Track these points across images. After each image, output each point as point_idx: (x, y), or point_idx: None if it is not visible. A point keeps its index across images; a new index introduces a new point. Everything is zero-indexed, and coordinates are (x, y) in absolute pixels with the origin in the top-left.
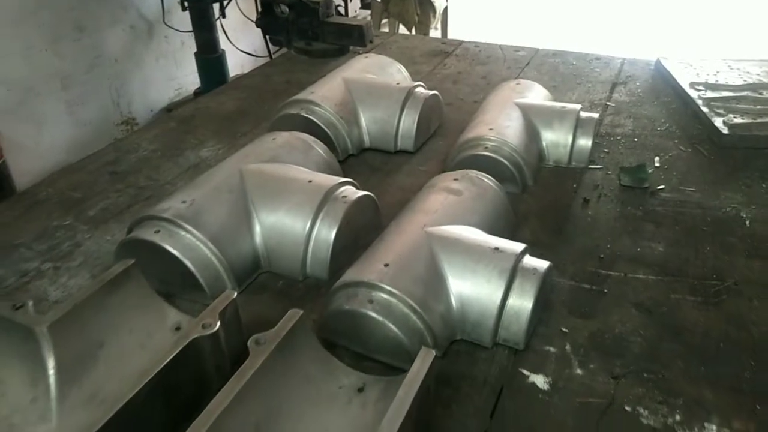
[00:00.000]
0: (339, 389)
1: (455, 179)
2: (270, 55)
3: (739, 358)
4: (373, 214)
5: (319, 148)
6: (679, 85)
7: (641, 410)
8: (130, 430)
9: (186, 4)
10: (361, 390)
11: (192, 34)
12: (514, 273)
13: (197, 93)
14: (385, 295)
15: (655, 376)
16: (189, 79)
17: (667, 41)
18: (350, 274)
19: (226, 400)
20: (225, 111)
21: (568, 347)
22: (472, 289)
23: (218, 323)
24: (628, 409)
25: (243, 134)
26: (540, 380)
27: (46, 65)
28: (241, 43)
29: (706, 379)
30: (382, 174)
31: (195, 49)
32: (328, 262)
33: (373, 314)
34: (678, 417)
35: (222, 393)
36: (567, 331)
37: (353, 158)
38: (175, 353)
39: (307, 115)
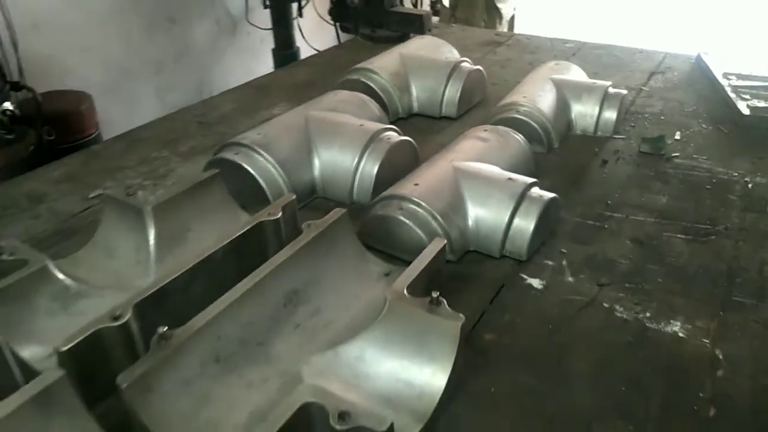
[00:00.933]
0: (369, 272)
1: (485, 131)
2: (339, 42)
3: (715, 281)
4: (412, 157)
5: (373, 106)
6: (713, 75)
7: (617, 307)
8: (209, 279)
9: (267, 2)
10: (387, 274)
11: (271, 31)
12: (522, 198)
13: None
14: (412, 205)
15: (635, 287)
16: (264, 71)
17: (713, 39)
18: (386, 192)
19: (273, 265)
20: (297, 81)
21: (564, 262)
22: (485, 209)
23: (280, 213)
24: (606, 305)
25: (310, 98)
26: (536, 282)
27: (142, 51)
28: (315, 43)
29: (680, 292)
30: (425, 133)
31: (273, 46)
32: (371, 191)
33: (402, 218)
34: (648, 314)
35: (271, 260)
36: (566, 251)
37: (402, 120)
38: (247, 228)
39: (365, 80)
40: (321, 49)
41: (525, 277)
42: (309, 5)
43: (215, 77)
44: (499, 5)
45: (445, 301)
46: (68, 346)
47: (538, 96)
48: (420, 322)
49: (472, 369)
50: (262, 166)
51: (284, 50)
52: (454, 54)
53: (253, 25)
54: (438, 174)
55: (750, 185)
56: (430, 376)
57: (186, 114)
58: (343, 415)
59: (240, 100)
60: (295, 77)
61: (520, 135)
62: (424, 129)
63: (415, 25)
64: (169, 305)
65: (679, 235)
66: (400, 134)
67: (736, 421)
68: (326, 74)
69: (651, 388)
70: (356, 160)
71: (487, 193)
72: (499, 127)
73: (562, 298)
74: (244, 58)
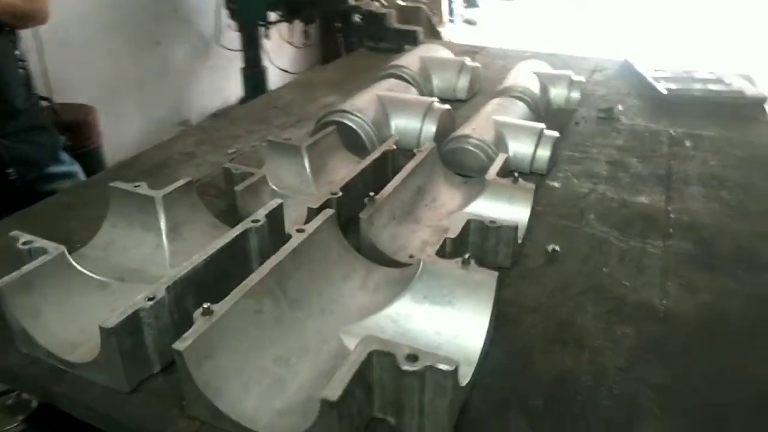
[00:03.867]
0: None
1: (499, 102)
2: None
3: (660, 178)
4: (451, 120)
5: (413, 88)
6: (638, 70)
7: (606, 193)
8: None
9: (238, 26)
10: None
11: (240, 53)
12: (540, 136)
13: (242, 101)
14: (474, 140)
15: (614, 184)
16: (233, 90)
17: (637, 49)
18: (454, 134)
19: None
20: (331, 79)
21: (569, 174)
22: (519, 143)
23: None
24: (600, 193)
25: (349, 90)
26: (555, 184)
27: (128, 70)
28: (278, 62)
29: (642, 185)
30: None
31: (241, 65)
32: (432, 141)
33: (469, 147)
34: (625, 195)
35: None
36: (567, 169)
37: None
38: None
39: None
40: (284, 67)
41: (548, 181)
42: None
43: (191, 94)
44: (439, 29)
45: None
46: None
47: (530, 81)
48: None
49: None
50: (360, 124)
51: (253, 69)
52: (450, 54)
53: (223, 47)
54: (484, 124)
55: (672, 132)
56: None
57: (260, 102)
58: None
59: (293, 93)
60: (328, 77)
61: (525, 104)
62: None
63: (409, 38)
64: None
65: (633, 158)
66: (443, 105)
67: (681, 232)
68: (353, 73)
69: (635, 228)
70: (420, 122)
71: (517, 134)
72: (507, 99)
73: (573, 191)
74: (216, 76)
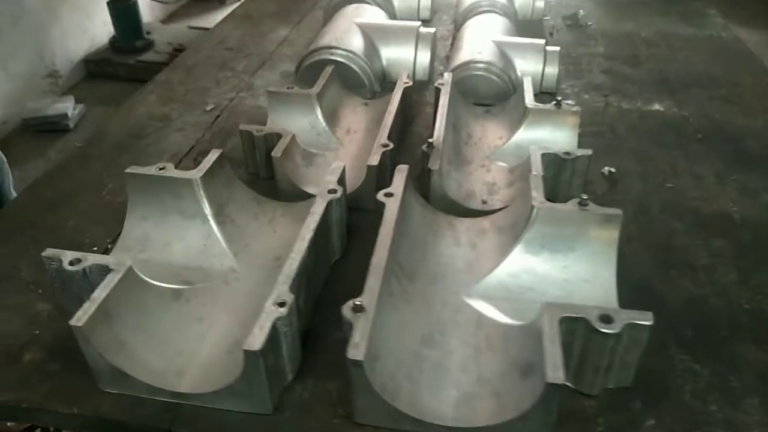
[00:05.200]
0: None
1: (488, 12)
2: None
3: (662, 84)
4: (436, 46)
5: (382, 11)
6: None
7: (622, 105)
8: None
9: None
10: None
11: None
12: (546, 52)
13: (113, 42)
14: (485, 65)
15: (622, 95)
16: (100, 30)
17: None
18: (462, 60)
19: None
20: (271, 10)
21: (576, 89)
22: (526, 63)
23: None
24: (615, 105)
25: (298, 22)
26: (570, 101)
27: None
28: None
29: (647, 92)
30: None
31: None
32: (428, 70)
33: (484, 73)
34: (639, 104)
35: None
36: (573, 84)
37: None
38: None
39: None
40: None
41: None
42: None
43: (54, 40)
44: None
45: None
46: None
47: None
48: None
49: None
50: (356, 60)
51: (122, 1)
52: None
53: None
54: (486, 46)
55: (642, 34)
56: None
57: (207, 46)
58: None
59: (240, 29)
60: (266, 8)
61: (507, 17)
62: None
63: None
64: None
65: (624, 66)
66: (429, 28)
67: (709, 136)
68: (292, 1)
69: (668, 138)
70: (413, 49)
71: (523, 53)
72: (487, 14)
73: (590, 107)
74: (78, 16)
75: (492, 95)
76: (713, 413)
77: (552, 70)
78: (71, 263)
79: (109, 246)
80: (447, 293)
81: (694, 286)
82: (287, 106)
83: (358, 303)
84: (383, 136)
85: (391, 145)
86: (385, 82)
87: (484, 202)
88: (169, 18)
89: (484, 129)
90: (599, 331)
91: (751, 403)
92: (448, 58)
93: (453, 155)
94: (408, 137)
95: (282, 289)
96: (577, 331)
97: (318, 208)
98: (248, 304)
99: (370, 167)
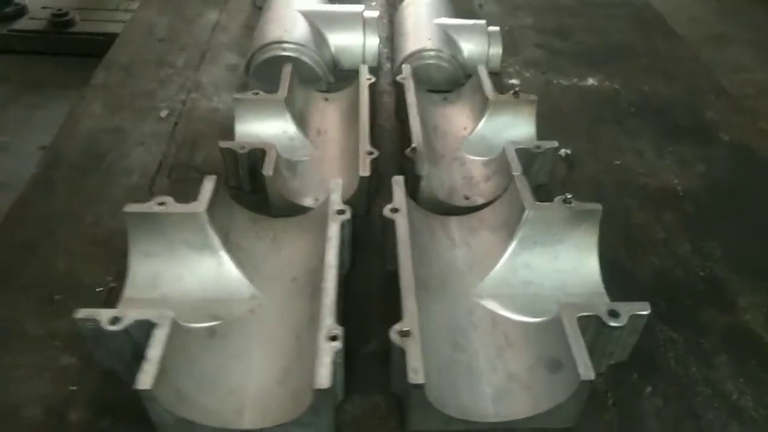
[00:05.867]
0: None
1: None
2: None
3: (587, 58)
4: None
5: None
6: None
7: (561, 81)
8: None
9: None
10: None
11: None
12: (488, 32)
13: None
14: (437, 52)
15: (559, 70)
16: None
17: None
18: (412, 50)
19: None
20: None
21: (517, 68)
22: (471, 46)
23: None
24: (554, 82)
25: (225, 2)
26: (515, 81)
27: None
28: None
29: (578, 65)
30: None
31: None
32: (377, 54)
33: (438, 62)
34: (575, 80)
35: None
36: (512, 62)
37: None
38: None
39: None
40: None
41: (506, 80)
42: None
43: None
44: None
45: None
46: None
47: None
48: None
49: None
50: (310, 55)
51: None
52: None
53: None
54: (433, 32)
55: (564, 2)
56: (527, 131)
57: (141, 36)
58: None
59: (166, 14)
60: None
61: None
62: None
63: None
64: None
65: (554, 38)
66: (372, 12)
67: (641, 108)
68: None
69: (605, 113)
70: (362, 36)
71: (467, 35)
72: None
73: (534, 86)
74: None
75: (444, 81)
76: (694, 374)
77: (496, 50)
78: (111, 322)
79: (112, 284)
80: (457, 296)
81: (657, 259)
82: (256, 112)
83: (405, 330)
84: (365, 144)
85: (377, 153)
86: (336, 70)
87: (467, 198)
88: None
89: (447, 119)
90: (609, 325)
91: (721, 360)
92: (389, 39)
93: (427, 151)
94: (373, 130)
95: (329, 323)
96: (589, 325)
97: (333, 233)
98: (281, 332)
99: (363, 178)
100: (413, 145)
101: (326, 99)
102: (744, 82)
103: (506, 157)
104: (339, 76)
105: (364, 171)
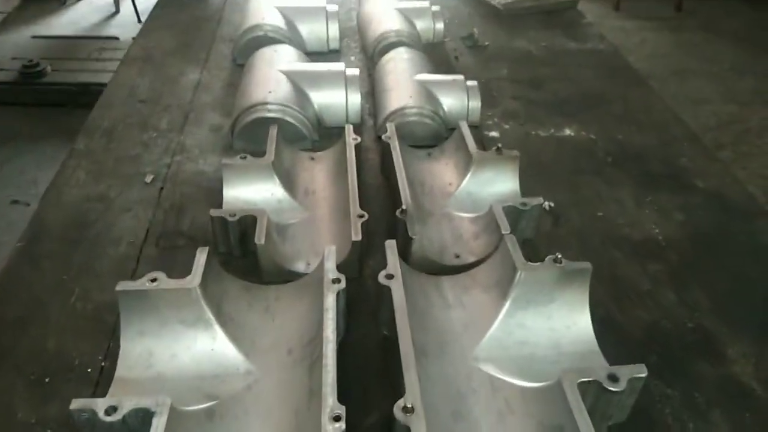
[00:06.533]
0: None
1: (403, 52)
2: None
3: (560, 107)
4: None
5: (300, 52)
6: None
7: (539, 133)
8: None
9: None
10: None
11: None
12: (468, 88)
13: None
14: (419, 109)
15: (535, 121)
16: None
17: None
18: (395, 107)
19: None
20: (170, 47)
21: (495, 120)
22: (451, 101)
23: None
24: (532, 133)
25: (205, 60)
26: (494, 134)
27: None
28: None
29: (555, 115)
30: None
31: None
32: (360, 112)
33: (421, 119)
34: (552, 130)
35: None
36: (490, 114)
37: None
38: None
39: (271, 34)
40: None
41: (486, 133)
42: None
43: None
44: None
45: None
46: None
47: (407, 28)
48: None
49: None
50: (295, 116)
51: None
52: None
53: None
54: (414, 88)
55: (533, 51)
56: (511, 186)
57: (116, 96)
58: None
59: (146, 75)
60: (167, 44)
61: (416, 51)
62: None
63: None
64: None
65: (528, 89)
66: (354, 69)
67: (618, 158)
68: (185, 32)
69: (582, 164)
70: (344, 95)
71: (447, 90)
72: (409, 48)
73: (513, 137)
74: None
75: (427, 137)
76: (692, 430)
77: (475, 104)
78: (107, 413)
79: (103, 364)
80: (455, 360)
81: (646, 312)
82: (244, 177)
83: (409, 406)
84: (356, 207)
85: (367, 216)
86: (320, 128)
87: (457, 256)
88: (2, 26)
89: (433, 175)
90: (609, 389)
91: (715, 414)
92: (370, 95)
93: (415, 208)
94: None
95: (330, 401)
96: (588, 389)
97: (330, 304)
98: (280, 409)
99: (355, 243)
100: (403, 207)
101: (312, 158)
102: (707, 114)
103: (494, 214)
104: (323, 133)
105: (356, 235)
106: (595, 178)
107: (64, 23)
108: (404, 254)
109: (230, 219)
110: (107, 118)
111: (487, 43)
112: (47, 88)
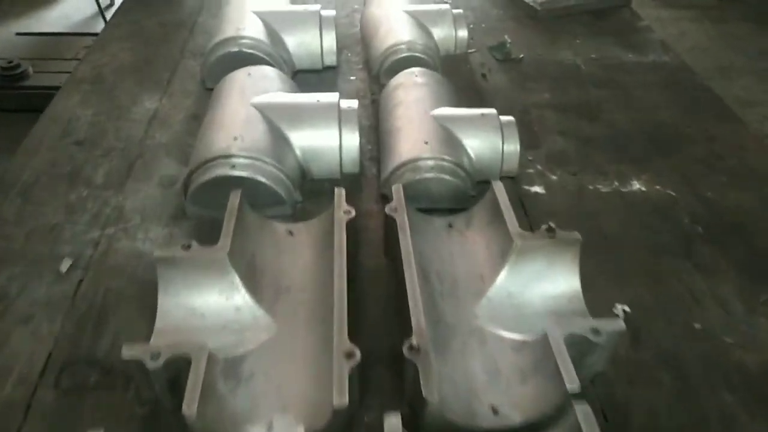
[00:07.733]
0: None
1: (416, 75)
2: None
3: (628, 149)
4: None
5: (284, 75)
6: None
7: (599, 188)
8: None
9: None
10: (450, 225)
11: None
12: (502, 125)
13: None
14: (437, 162)
15: (593, 170)
16: None
17: None
18: (405, 158)
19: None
20: (127, 64)
21: (538, 166)
22: (479, 143)
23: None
24: (590, 188)
25: (168, 82)
26: (537, 189)
27: None
28: None
29: (619, 161)
30: (325, 86)
31: None
32: (358, 159)
33: (440, 175)
34: (617, 184)
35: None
36: (531, 159)
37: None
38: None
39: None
40: None
41: (525, 187)
42: None
43: None
44: None
45: (556, 228)
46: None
47: (420, 36)
48: (547, 250)
49: None
50: (265, 170)
51: None
52: None
53: None
54: (430, 131)
55: (582, 65)
56: (569, 285)
57: (45, 134)
58: (595, 331)
59: (90, 100)
60: (121, 60)
61: (435, 73)
62: (317, 83)
63: None
64: None
65: (580, 120)
66: (351, 101)
67: (716, 233)
68: (146, 46)
69: (665, 239)
70: (336, 134)
71: (474, 131)
72: (423, 70)
73: (563, 196)
74: None
75: (447, 198)
76: None
77: (512, 147)
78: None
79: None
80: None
81: None
82: (188, 276)
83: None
84: (343, 335)
85: (358, 355)
86: (305, 182)
87: (495, 412)
88: None
89: (454, 260)
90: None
91: None
92: (373, 129)
93: (429, 323)
94: (355, 278)
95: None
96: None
97: None
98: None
99: (337, 411)
100: (413, 341)
101: (290, 233)
102: (759, 119)
103: (548, 342)
104: (310, 188)
105: (340, 396)
106: (683, 263)
107: (55, 17)
108: (413, 418)
109: (151, 366)
110: (29, 167)
111: (521, 56)
112: (30, 93)
